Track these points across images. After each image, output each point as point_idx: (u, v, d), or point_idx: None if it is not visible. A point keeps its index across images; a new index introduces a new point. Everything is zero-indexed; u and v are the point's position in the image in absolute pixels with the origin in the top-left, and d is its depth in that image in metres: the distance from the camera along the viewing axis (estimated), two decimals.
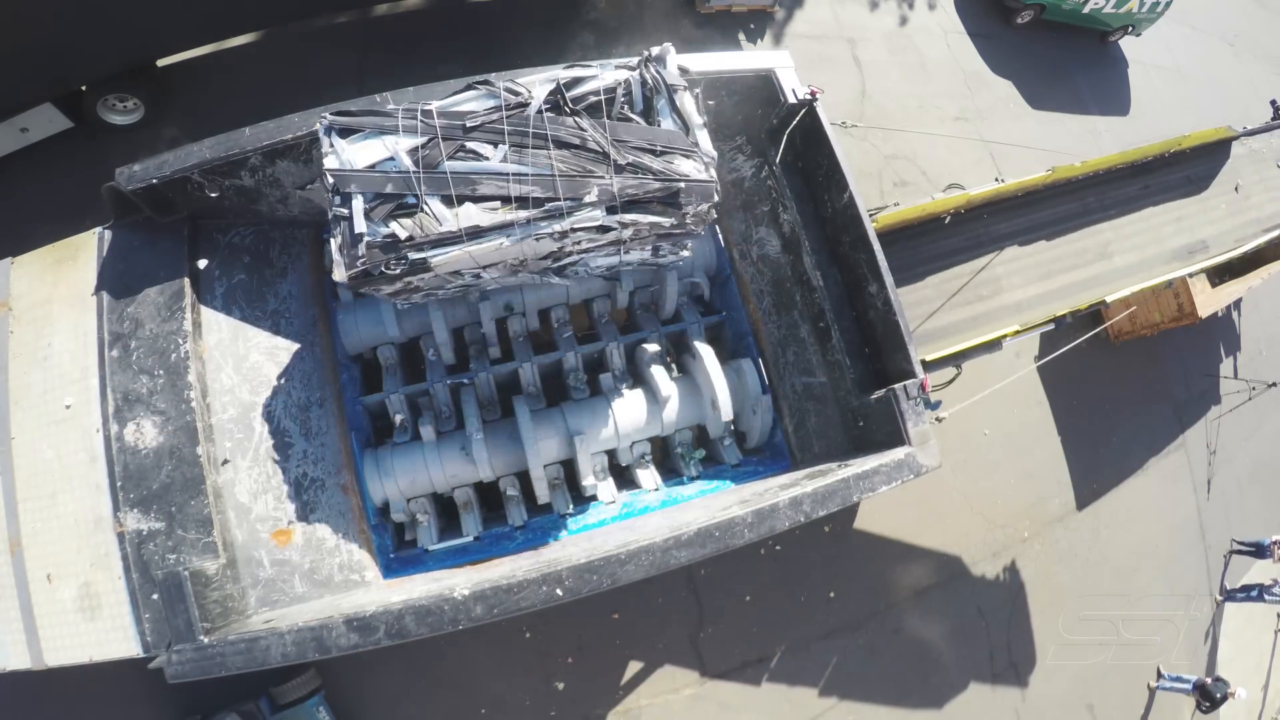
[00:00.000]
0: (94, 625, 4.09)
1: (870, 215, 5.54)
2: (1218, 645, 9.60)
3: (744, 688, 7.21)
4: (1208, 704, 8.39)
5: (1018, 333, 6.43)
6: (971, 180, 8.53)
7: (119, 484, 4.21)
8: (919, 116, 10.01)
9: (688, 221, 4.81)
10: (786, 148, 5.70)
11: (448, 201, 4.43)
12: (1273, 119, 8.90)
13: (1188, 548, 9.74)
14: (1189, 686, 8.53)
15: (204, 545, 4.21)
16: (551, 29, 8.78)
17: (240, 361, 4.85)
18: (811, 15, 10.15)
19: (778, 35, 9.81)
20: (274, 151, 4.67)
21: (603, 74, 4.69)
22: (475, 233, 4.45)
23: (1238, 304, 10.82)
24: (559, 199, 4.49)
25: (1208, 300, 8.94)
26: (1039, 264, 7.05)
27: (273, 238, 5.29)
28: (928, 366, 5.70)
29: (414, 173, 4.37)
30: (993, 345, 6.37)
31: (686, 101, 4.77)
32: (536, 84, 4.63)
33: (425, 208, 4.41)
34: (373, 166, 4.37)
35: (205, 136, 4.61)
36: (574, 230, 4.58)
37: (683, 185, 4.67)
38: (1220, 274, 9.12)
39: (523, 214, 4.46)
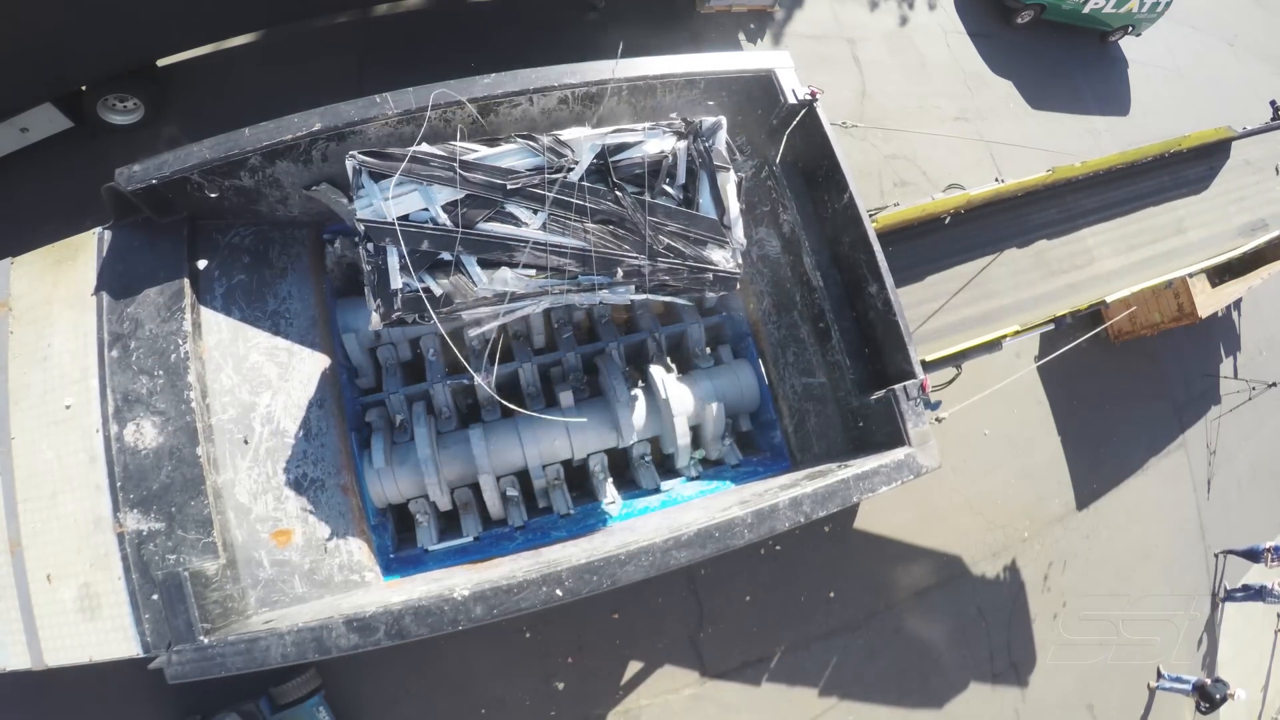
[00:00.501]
0: (94, 625, 4.09)
1: (870, 215, 5.54)
2: (1218, 645, 9.60)
3: (744, 688, 7.21)
4: (1207, 705, 8.38)
5: (1018, 333, 6.44)
6: (971, 180, 8.52)
7: (119, 484, 4.21)
8: (919, 116, 10.00)
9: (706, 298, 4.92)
10: (786, 148, 5.70)
11: (483, 263, 4.47)
12: (1272, 119, 8.90)
13: (1188, 548, 9.74)
14: (1189, 687, 8.53)
15: (204, 545, 4.20)
16: (551, 30, 8.78)
17: (240, 362, 4.85)
18: (811, 15, 10.16)
19: (778, 35, 9.81)
20: (274, 152, 4.66)
21: (648, 140, 4.66)
22: (509, 298, 4.53)
23: (1238, 304, 10.82)
24: (593, 274, 4.55)
25: (1208, 300, 8.93)
26: (1124, 237, 7.42)
27: (272, 238, 5.29)
28: (928, 367, 5.71)
29: (454, 233, 4.37)
30: (993, 345, 6.38)
31: (729, 185, 4.78)
32: (581, 145, 4.60)
33: (462, 268, 4.44)
34: (406, 217, 4.36)
35: (205, 136, 4.60)
36: (601, 303, 4.68)
37: (711, 277, 4.77)
38: (1220, 274, 9.12)
39: (557, 285, 4.53)
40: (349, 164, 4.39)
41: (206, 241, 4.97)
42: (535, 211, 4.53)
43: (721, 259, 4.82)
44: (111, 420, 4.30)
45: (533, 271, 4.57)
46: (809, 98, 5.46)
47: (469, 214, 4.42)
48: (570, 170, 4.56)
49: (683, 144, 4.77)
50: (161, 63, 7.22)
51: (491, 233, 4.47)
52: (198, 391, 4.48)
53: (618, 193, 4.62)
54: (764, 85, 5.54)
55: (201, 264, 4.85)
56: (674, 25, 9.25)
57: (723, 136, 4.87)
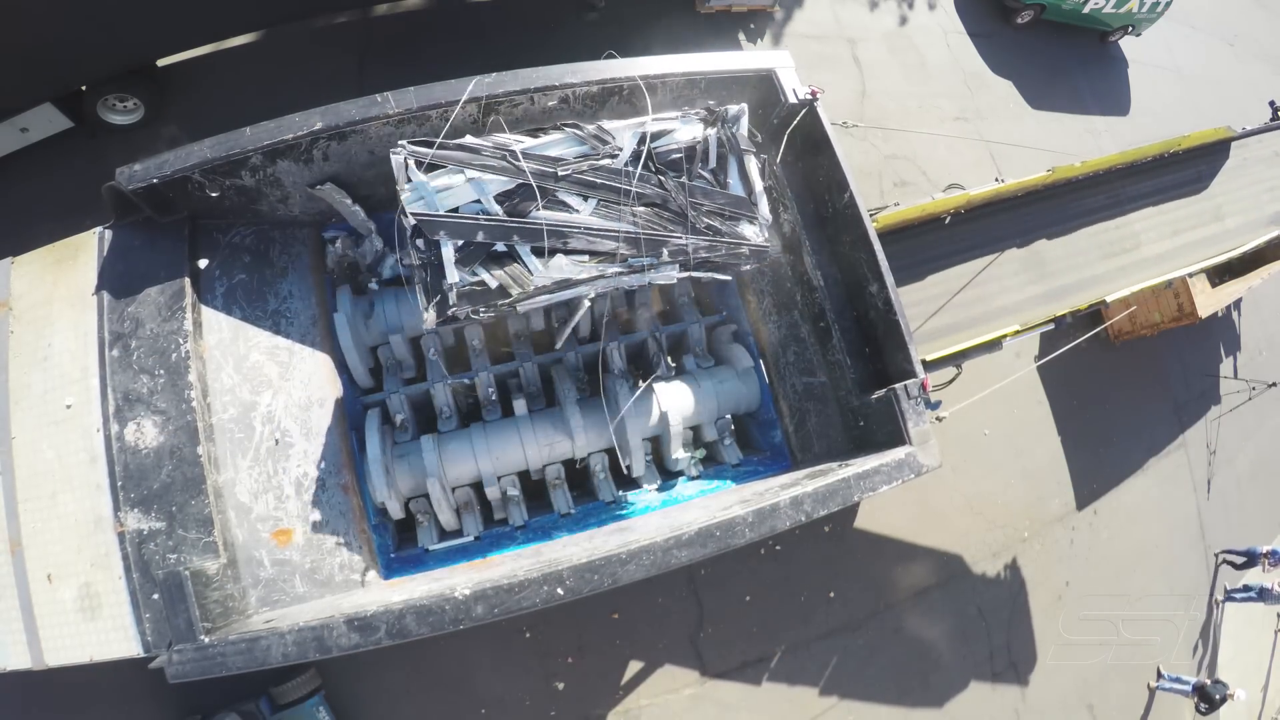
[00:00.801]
0: (94, 625, 4.09)
1: (870, 215, 5.54)
2: (1218, 645, 9.60)
3: (744, 688, 7.21)
4: (1206, 706, 8.38)
5: (1018, 333, 6.44)
6: (971, 180, 8.52)
7: (119, 484, 4.20)
8: (919, 116, 10.00)
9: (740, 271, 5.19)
10: (786, 148, 5.70)
11: (538, 251, 4.50)
12: (1272, 119, 8.91)
13: (1188, 548, 9.74)
14: (1188, 688, 8.53)
15: (204, 545, 4.20)
16: (552, 29, 8.78)
17: (241, 361, 4.85)
18: (811, 15, 10.16)
19: (778, 35, 9.81)
20: (274, 151, 4.66)
21: (682, 128, 4.81)
22: (565, 285, 4.57)
23: (1238, 304, 10.82)
24: (642, 256, 4.68)
25: (1208, 300, 8.94)
26: (1170, 222, 7.76)
27: (273, 238, 5.29)
28: (928, 366, 5.70)
29: (511, 223, 4.39)
30: (993, 345, 6.38)
31: (753, 166, 5.04)
32: (623, 132, 4.69)
33: (517, 258, 4.46)
34: (456, 209, 4.36)
35: (205, 136, 4.60)
36: (650, 283, 4.84)
37: (747, 251, 5.00)
38: (1220, 274, 9.13)
39: (610, 269, 4.63)
40: (395, 157, 4.35)
41: (207, 241, 4.97)
42: (585, 198, 4.59)
43: (752, 234, 5.07)
44: (112, 420, 4.30)
45: (585, 257, 4.63)
46: (809, 97, 5.47)
47: (522, 203, 4.44)
48: (614, 157, 4.66)
49: (712, 130, 4.93)
50: (161, 63, 7.22)
51: (547, 220, 4.49)
52: (198, 391, 4.48)
53: (660, 177, 4.77)
54: (764, 85, 5.55)
55: (202, 263, 4.85)
56: (674, 25, 9.24)
57: (745, 123, 5.07)
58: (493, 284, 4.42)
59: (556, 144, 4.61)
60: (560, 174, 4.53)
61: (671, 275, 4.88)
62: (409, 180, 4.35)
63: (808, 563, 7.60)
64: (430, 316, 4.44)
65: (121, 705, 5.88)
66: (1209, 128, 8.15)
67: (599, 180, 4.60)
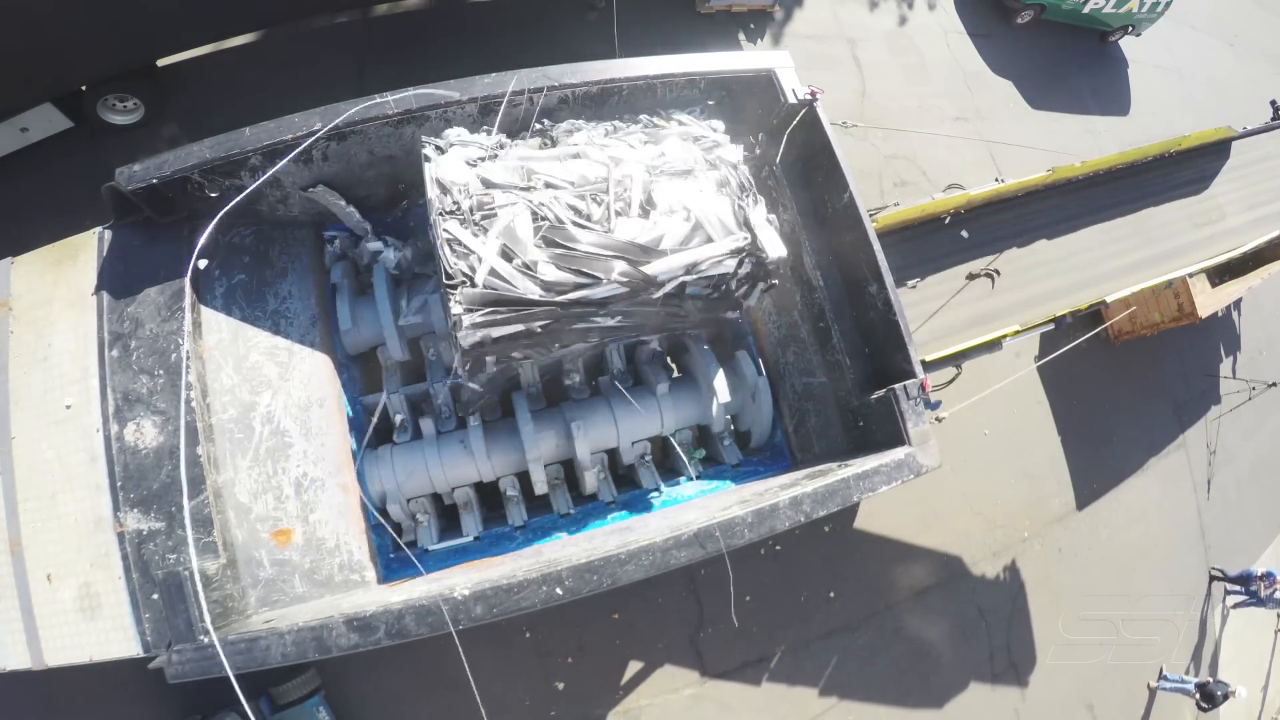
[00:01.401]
0: (94, 625, 4.08)
1: (870, 215, 5.55)
2: (1219, 646, 9.60)
3: (744, 688, 7.21)
4: (1207, 704, 8.39)
5: (1018, 333, 6.44)
6: (971, 180, 8.52)
7: (119, 484, 4.20)
8: (919, 116, 10.01)
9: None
10: (786, 148, 5.70)
11: None
12: (1272, 119, 8.91)
13: (1188, 548, 9.74)
14: (1190, 687, 8.54)
15: (204, 545, 4.20)
16: (551, 30, 8.78)
17: (240, 361, 4.85)
18: (811, 15, 10.16)
19: (778, 35, 9.81)
20: (274, 151, 4.66)
21: (724, 262, 4.79)
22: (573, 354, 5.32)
23: (1238, 304, 10.82)
24: (639, 336, 5.29)
25: (1208, 300, 8.93)
26: (1248, 196, 8.21)
27: (273, 238, 5.29)
28: (928, 366, 5.70)
29: (550, 341, 4.85)
30: (993, 345, 6.38)
31: (760, 290, 5.25)
32: (669, 273, 4.65)
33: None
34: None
35: (205, 136, 4.60)
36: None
37: (720, 322, 5.49)
38: (1220, 274, 9.12)
39: (608, 338, 5.16)
40: (454, 306, 4.22)
41: (207, 241, 4.96)
42: (614, 317, 4.82)
43: (732, 316, 5.37)
44: (112, 420, 4.29)
45: (596, 338, 5.02)
46: (809, 98, 5.46)
47: (558, 326, 4.66)
48: (655, 295, 4.75)
49: (746, 267, 4.88)
50: (161, 63, 7.22)
51: (574, 327, 4.82)
52: (198, 391, 4.47)
53: (680, 303, 4.98)
54: (764, 85, 5.55)
55: (202, 264, 4.84)
56: (674, 25, 9.24)
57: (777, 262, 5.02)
58: (518, 356, 4.97)
59: (606, 288, 4.54)
60: (600, 316, 4.72)
61: (652, 341, 5.54)
62: (458, 304, 4.33)
63: (808, 563, 7.60)
64: (459, 369, 4.89)
65: (121, 705, 5.88)
66: (1209, 128, 8.16)
67: (632, 309, 4.80)
